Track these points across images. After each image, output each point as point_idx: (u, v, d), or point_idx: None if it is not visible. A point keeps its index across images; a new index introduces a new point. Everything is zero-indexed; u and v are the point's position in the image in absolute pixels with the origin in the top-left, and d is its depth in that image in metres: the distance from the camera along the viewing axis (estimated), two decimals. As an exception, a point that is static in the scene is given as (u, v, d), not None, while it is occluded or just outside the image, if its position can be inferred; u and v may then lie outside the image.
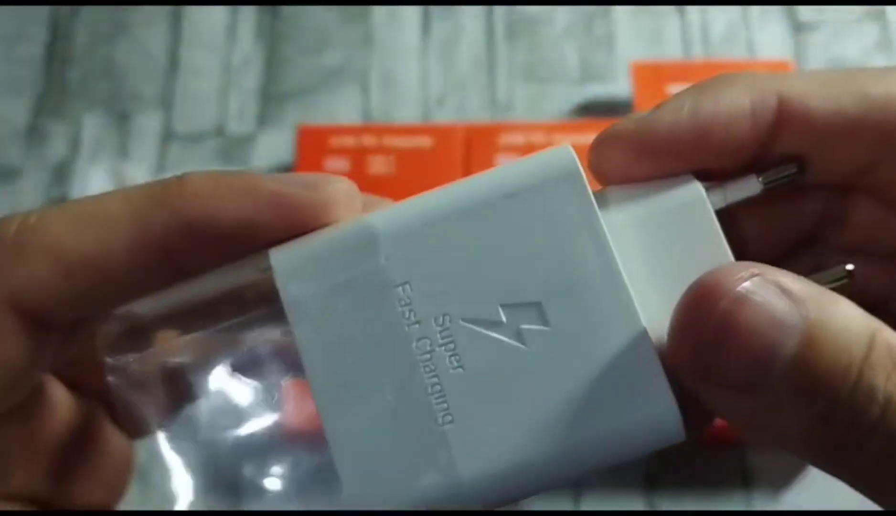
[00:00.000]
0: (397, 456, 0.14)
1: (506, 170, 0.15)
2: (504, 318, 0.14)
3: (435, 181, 0.18)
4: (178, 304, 0.15)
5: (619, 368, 0.14)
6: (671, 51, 0.46)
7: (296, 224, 0.15)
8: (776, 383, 0.13)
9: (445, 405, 0.14)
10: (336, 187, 0.15)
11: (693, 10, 0.47)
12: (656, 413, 0.14)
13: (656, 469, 0.38)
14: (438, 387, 0.14)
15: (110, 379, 0.16)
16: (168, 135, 0.46)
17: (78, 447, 0.18)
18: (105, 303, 0.15)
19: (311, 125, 0.43)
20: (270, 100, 0.47)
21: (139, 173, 0.44)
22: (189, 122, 0.46)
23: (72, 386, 0.18)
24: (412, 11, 0.49)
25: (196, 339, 0.16)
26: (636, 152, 0.16)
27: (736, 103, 0.16)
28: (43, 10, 0.49)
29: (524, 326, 0.14)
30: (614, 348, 0.14)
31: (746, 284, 0.13)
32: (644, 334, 0.14)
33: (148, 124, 0.46)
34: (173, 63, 0.48)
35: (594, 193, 0.15)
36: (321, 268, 0.14)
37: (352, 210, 0.15)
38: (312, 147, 0.42)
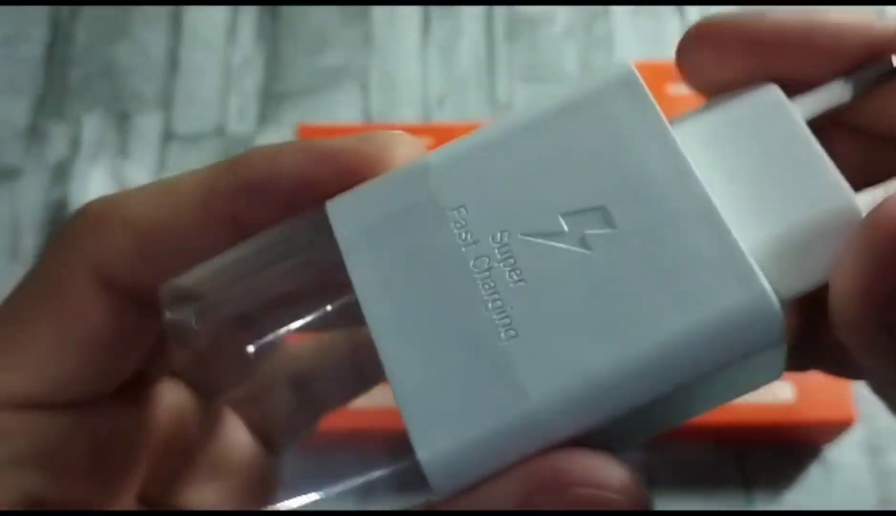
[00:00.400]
0: (461, 380, 0.13)
1: (560, 91, 0.15)
2: (566, 227, 0.13)
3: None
4: (234, 259, 0.15)
5: (698, 260, 0.13)
6: (671, 51, 0.46)
7: (353, 175, 0.15)
8: None
9: (508, 320, 0.13)
10: (393, 136, 0.15)
11: (693, 11, 0.47)
12: (747, 301, 0.12)
13: (656, 469, 0.38)
14: (499, 303, 0.13)
15: (171, 339, 0.16)
16: (168, 136, 0.46)
17: (196, 452, 0.18)
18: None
19: (312, 125, 0.43)
20: (271, 100, 0.47)
21: (139, 174, 0.44)
22: (189, 123, 0.46)
23: (202, 392, 0.18)
24: (412, 11, 0.49)
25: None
26: (737, 44, 0.15)
27: (853, 14, 0.14)
28: (43, 11, 0.49)
29: (588, 232, 0.13)
30: (690, 240, 0.13)
31: None
32: (720, 221, 0.13)
33: (148, 124, 0.46)
34: (173, 63, 0.48)
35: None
36: (374, 202, 0.14)
37: (412, 156, 0.15)
38: (312, 147, 0.42)
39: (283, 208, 0.15)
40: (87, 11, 0.49)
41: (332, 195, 0.15)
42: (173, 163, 0.45)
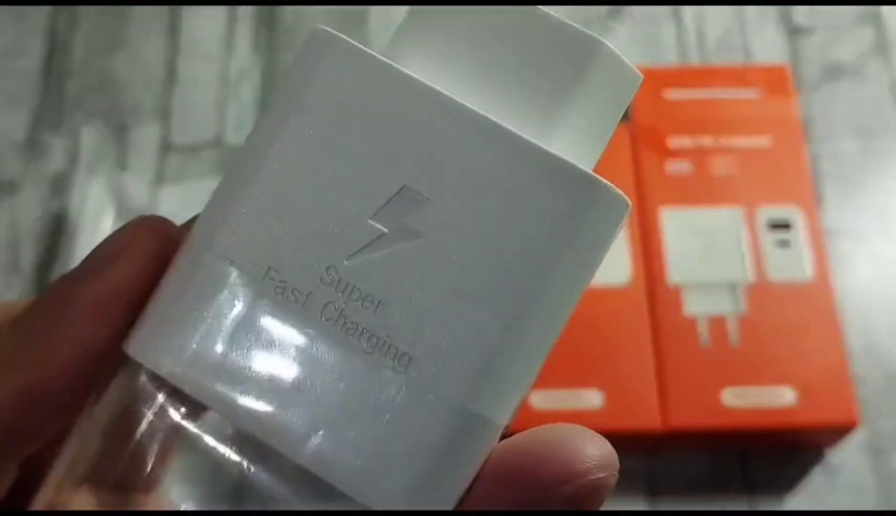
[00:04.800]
0: (389, 424, 0.12)
1: (282, 93, 0.13)
2: (383, 228, 0.12)
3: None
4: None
5: (521, 183, 0.12)
6: (668, 56, 0.46)
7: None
8: None
9: (394, 350, 0.12)
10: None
11: (689, 16, 0.47)
12: (588, 196, 0.12)
13: (659, 473, 0.38)
14: (375, 340, 0.12)
15: None
16: (166, 147, 0.46)
17: None
18: None
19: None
20: (268, 110, 0.47)
21: (138, 185, 0.44)
22: (187, 134, 0.46)
23: None
24: (409, 20, 0.49)
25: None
26: None
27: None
28: (40, 23, 0.49)
29: (407, 219, 0.12)
30: (502, 171, 0.12)
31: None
32: (511, 134, 0.12)
33: (146, 136, 0.46)
34: (171, 74, 0.48)
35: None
36: (188, 331, 0.12)
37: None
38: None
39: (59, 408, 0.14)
40: (85, 23, 0.49)
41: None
42: (172, 175, 0.45)
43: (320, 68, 0.13)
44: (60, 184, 0.45)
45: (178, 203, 0.44)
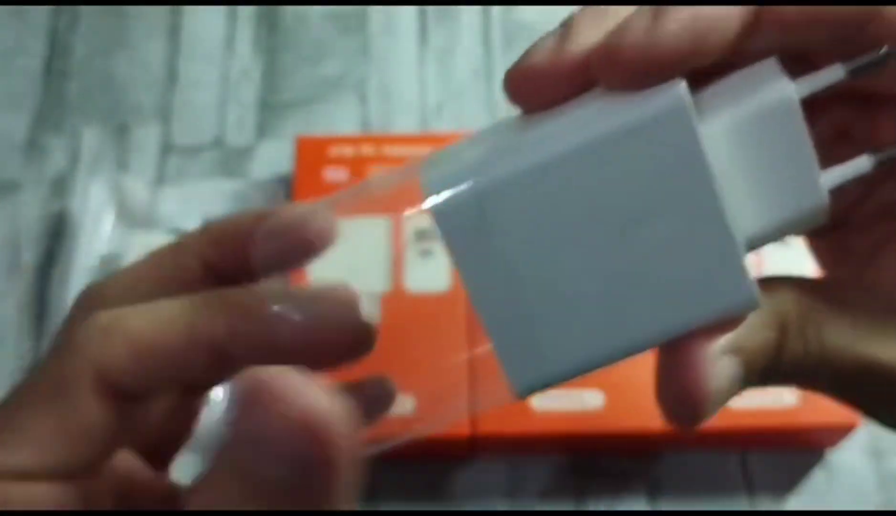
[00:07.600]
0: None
1: (617, 108, 0.17)
2: (627, 233, 0.17)
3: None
4: None
5: (709, 264, 0.17)
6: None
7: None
8: None
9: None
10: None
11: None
12: (742, 302, 0.17)
13: (660, 474, 0.38)
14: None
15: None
16: (167, 148, 0.46)
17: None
18: (165, 379, 0.18)
19: (310, 136, 0.43)
20: (269, 111, 0.47)
21: (138, 186, 0.44)
22: (188, 134, 0.46)
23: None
24: (409, 20, 0.49)
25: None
26: (634, 70, 0.16)
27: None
28: (41, 24, 0.49)
29: (644, 235, 0.17)
30: (705, 246, 0.17)
31: None
32: (733, 240, 0.17)
33: (147, 137, 0.46)
34: (172, 75, 0.48)
35: (693, 97, 0.16)
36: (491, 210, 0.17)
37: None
38: (311, 157, 0.42)
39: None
40: (85, 23, 0.49)
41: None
42: (172, 175, 0.45)
43: (658, 115, 0.17)
44: (61, 185, 0.45)
45: (178, 204, 0.44)
